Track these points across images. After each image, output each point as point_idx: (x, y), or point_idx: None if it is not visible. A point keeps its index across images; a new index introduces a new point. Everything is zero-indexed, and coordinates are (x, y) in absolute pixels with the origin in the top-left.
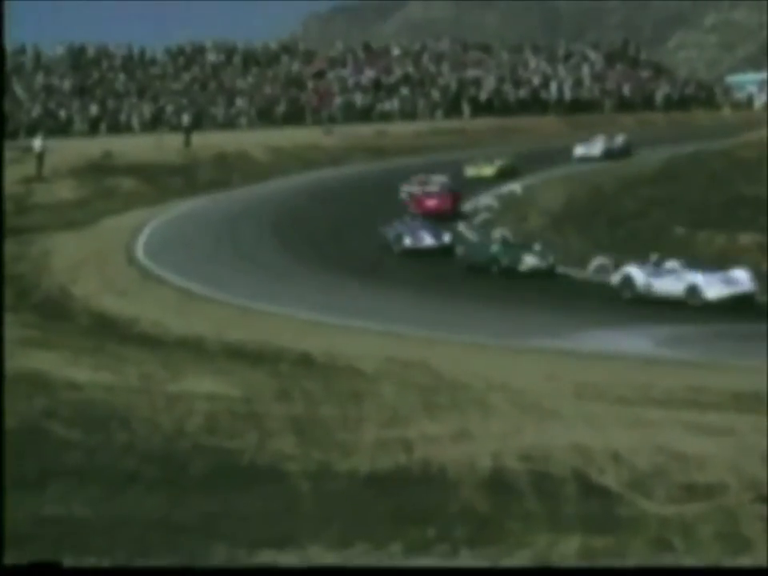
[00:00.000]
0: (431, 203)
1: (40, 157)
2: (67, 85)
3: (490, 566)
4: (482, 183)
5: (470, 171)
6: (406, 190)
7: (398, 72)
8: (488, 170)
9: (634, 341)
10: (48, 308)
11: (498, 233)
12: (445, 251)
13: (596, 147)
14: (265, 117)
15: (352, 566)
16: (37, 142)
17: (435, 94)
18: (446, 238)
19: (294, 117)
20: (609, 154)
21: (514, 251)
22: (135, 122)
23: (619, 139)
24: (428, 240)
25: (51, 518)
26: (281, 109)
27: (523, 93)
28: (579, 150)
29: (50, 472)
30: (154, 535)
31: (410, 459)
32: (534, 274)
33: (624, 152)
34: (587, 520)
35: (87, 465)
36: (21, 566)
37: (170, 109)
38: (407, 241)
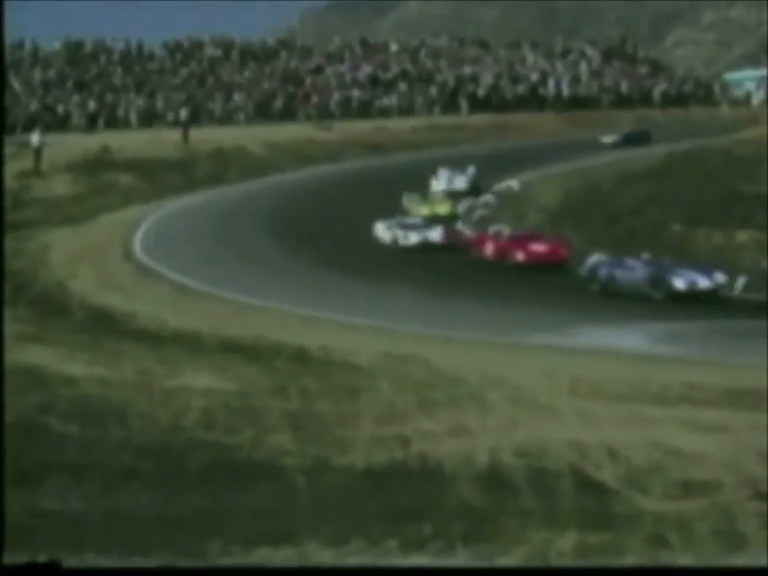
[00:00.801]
0: (540, 248)
1: (37, 152)
2: (65, 80)
3: (485, 565)
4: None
5: (421, 210)
6: (402, 233)
7: (395, 68)
8: (443, 208)
9: (629, 337)
10: (45, 303)
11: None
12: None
13: (460, 181)
14: (262, 112)
15: (349, 566)
16: (34, 137)
17: (433, 90)
18: (720, 277)
19: (292, 112)
20: (472, 190)
21: None
22: (133, 117)
23: (470, 170)
24: (703, 281)
25: (47, 512)
26: (278, 104)
27: (521, 89)
28: (438, 186)
29: (47, 467)
30: (150, 530)
31: (406, 455)
32: None
33: (476, 188)
34: (584, 516)
35: (83, 460)
36: (21, 565)
37: (167, 104)
38: (678, 282)
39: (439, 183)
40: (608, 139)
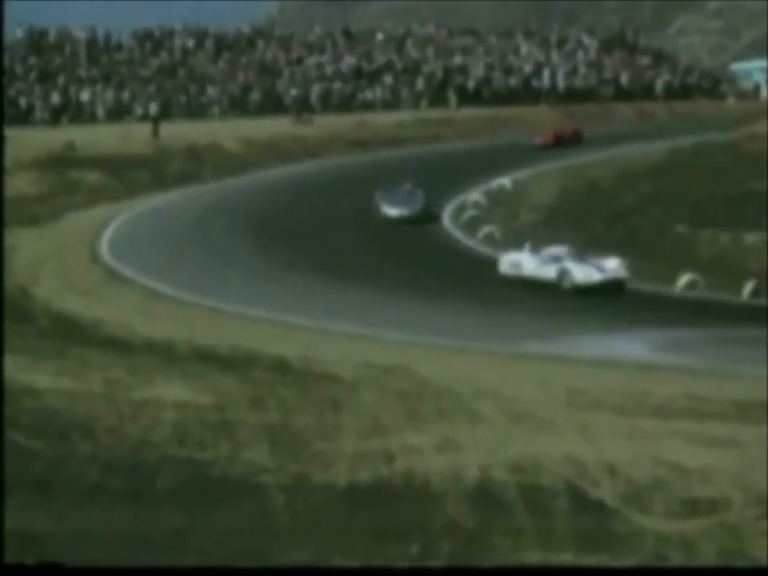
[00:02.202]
0: None
1: None
2: (28, 70)
3: (479, 566)
4: None
5: None
6: None
7: (380, 59)
8: None
9: (630, 345)
10: (6, 309)
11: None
12: None
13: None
14: (238, 106)
15: (347, 567)
16: None
17: (420, 82)
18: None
19: (269, 106)
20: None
21: None
22: (100, 110)
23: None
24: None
25: (10, 532)
26: (255, 97)
27: (514, 81)
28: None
29: (9, 484)
30: (119, 551)
31: (391, 471)
32: None
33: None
34: (581, 536)
35: (48, 477)
36: (21, 565)
37: (136, 97)
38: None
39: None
40: (393, 211)
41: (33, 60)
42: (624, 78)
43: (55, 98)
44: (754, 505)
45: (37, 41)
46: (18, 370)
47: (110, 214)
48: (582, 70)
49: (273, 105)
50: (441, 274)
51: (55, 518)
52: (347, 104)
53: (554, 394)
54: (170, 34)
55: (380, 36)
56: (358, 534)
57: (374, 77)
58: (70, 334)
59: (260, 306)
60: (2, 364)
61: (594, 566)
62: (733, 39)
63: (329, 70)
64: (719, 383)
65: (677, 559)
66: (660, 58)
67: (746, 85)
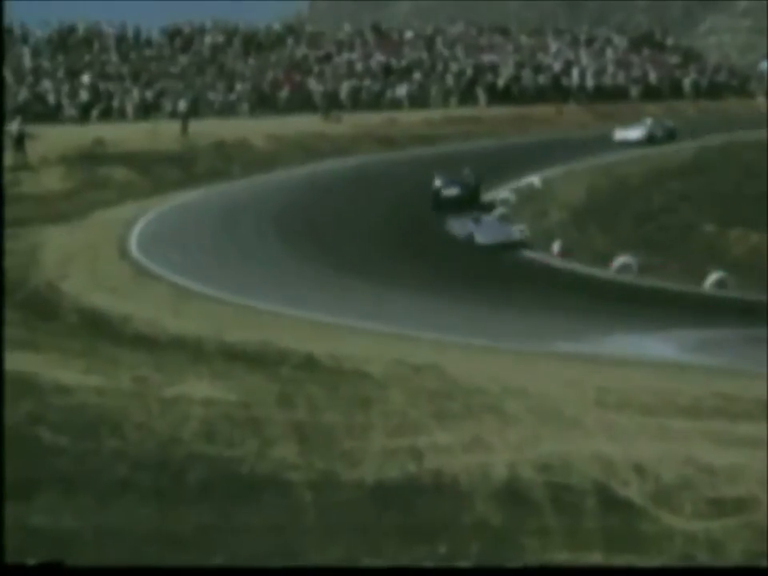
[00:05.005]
0: None
1: (19, 142)
2: (56, 67)
3: (487, 566)
4: None
5: None
6: None
7: (409, 56)
8: None
9: (660, 345)
10: (35, 306)
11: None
12: None
13: None
14: (267, 103)
15: (350, 567)
16: (14, 126)
17: (449, 80)
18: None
19: (298, 103)
20: None
21: None
22: (129, 107)
23: None
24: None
25: (37, 528)
26: (284, 95)
27: (543, 79)
28: None
29: (37, 480)
30: (147, 548)
31: (420, 469)
32: None
33: None
34: (609, 535)
35: (76, 473)
36: (21, 565)
37: (165, 94)
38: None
39: None
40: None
41: (61, 56)
42: (653, 77)
43: (84, 94)
44: None
45: (65, 37)
46: (46, 367)
47: (139, 210)
48: (611, 68)
49: (302, 102)
50: (469, 272)
51: (82, 514)
52: (376, 101)
53: (583, 393)
54: (200, 30)
55: (409, 34)
56: (386, 531)
57: (404, 74)
58: (99, 331)
59: (289, 303)
60: (2, 354)
61: (622, 567)
62: (762, 38)
63: (358, 67)
64: (748, 383)
65: (704, 559)
66: (689, 56)
67: None
